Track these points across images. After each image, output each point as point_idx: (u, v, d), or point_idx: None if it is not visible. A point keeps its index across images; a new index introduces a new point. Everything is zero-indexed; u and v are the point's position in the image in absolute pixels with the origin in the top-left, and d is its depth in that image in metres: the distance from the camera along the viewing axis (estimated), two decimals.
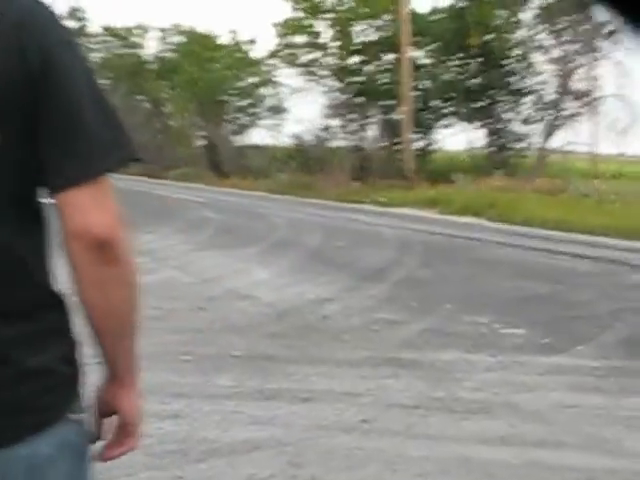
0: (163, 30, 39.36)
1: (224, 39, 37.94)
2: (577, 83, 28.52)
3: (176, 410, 4.79)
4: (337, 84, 31.40)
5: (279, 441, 4.36)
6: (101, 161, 1.26)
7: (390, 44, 29.44)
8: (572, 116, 28.42)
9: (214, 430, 4.50)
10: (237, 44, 36.99)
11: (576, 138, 28.01)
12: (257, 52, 39.25)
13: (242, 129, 36.76)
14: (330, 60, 31.52)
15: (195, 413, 4.76)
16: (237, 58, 36.35)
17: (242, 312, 7.71)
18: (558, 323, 7.53)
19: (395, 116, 29.85)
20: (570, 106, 28.58)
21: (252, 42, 36.76)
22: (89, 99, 1.27)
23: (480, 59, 29.04)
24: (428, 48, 30.33)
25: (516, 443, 4.45)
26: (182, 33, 38.93)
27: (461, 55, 29.42)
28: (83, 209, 1.24)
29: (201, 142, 37.03)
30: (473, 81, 29.53)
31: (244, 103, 36.47)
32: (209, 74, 35.42)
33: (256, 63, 35.72)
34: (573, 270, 10.68)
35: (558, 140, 28.58)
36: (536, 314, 7.89)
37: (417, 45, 29.35)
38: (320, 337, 6.83)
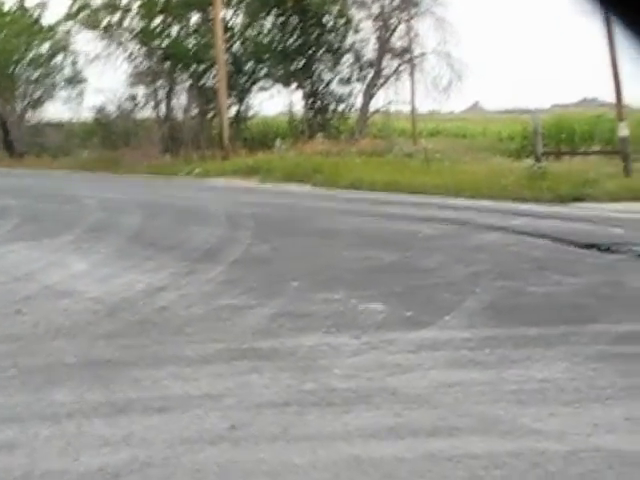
0: None
1: (9, 4, 35.58)
2: (397, 40, 29.02)
3: (9, 438, 4.22)
4: (141, 49, 30.29)
5: (141, 463, 3.91)
6: None
7: (197, 2, 28.69)
8: (392, 74, 28.91)
9: (59, 459, 3.98)
10: (24, 9, 34.81)
11: (397, 97, 28.56)
12: (50, 17, 36.77)
13: (37, 104, 34.81)
14: (132, 22, 30.31)
15: (33, 440, 4.21)
16: (26, 24, 34.23)
17: (66, 311, 7.07)
18: (416, 293, 7.44)
19: (206, 81, 29.24)
20: (390, 64, 29.06)
21: (42, 6, 34.72)
22: None
23: (297, 17, 28.88)
24: (240, 6, 29.80)
25: (406, 434, 4.23)
26: None
27: (277, 13, 29.15)
28: None
29: None
30: (289, 41, 29.34)
31: (37, 74, 34.49)
32: None
33: (49, 29, 33.79)
34: (417, 234, 10.71)
35: (379, 100, 29.05)
36: (391, 285, 7.77)
37: (228, 3, 28.77)
38: (161, 332, 6.36)
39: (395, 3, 29.86)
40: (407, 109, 29.41)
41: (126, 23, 30.24)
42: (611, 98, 18.46)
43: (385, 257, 9.14)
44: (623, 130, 16.41)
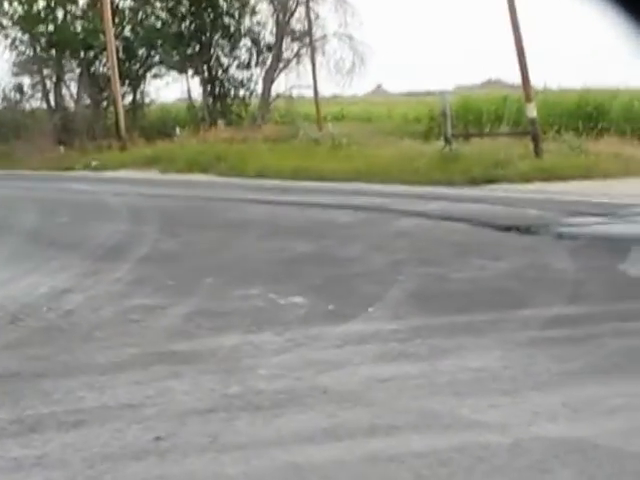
0: None
1: None
2: (296, 23, 28.90)
3: None
4: (24, 35, 29.32)
5: None
6: None
7: None
8: (293, 58, 28.79)
9: None
10: None
11: (299, 81, 28.45)
12: None
13: None
14: (13, 6, 29.22)
15: None
16: None
17: None
18: (337, 284, 7.37)
19: (98, 69, 28.60)
20: (290, 47, 28.93)
21: None
22: None
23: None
24: None
25: (344, 435, 4.13)
26: None
27: None
28: None
29: None
30: (183, 25, 28.90)
31: None
32: None
33: None
34: (333, 222, 10.66)
35: (281, 84, 28.90)
36: (310, 277, 7.68)
37: None
38: (69, 339, 6.11)
39: None
40: (310, 93, 29.33)
41: (5, 7, 29.16)
42: (515, 79, 18.80)
43: (301, 247, 9.05)
44: (532, 111, 16.68)
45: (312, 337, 5.81)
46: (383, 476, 3.70)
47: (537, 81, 21.03)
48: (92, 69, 29.26)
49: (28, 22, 28.80)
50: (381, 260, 8.19)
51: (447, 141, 17.34)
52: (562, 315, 6.06)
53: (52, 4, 29.07)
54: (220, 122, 26.06)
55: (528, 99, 16.83)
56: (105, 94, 28.30)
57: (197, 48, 29.21)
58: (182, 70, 29.76)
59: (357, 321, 6.15)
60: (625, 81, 21.63)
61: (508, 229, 9.51)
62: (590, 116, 21.56)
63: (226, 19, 29.50)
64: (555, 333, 5.66)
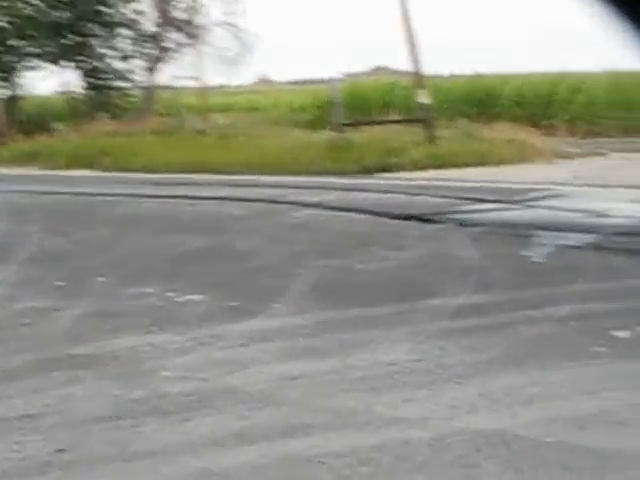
0: None
1: None
2: (179, 11, 28.50)
3: None
4: None
5: None
6: None
7: None
8: (176, 48, 28.38)
9: None
10: None
11: (182, 71, 28.04)
12: None
13: None
14: None
15: None
16: None
17: None
18: (237, 280, 7.24)
19: None
20: (173, 37, 28.51)
21: None
22: None
23: None
24: None
25: (258, 438, 4.02)
26: None
27: None
28: None
29: None
30: (58, 14, 28.11)
31: None
32: None
33: None
34: (227, 215, 10.51)
35: (164, 75, 28.44)
36: (208, 273, 7.53)
37: None
38: None
39: None
40: (194, 84, 28.99)
41: None
42: (404, 65, 18.96)
43: (196, 243, 8.87)
44: (424, 98, 16.82)
45: (215, 336, 5.68)
46: (302, 478, 3.61)
47: (427, 68, 21.23)
48: None
49: None
50: (280, 253, 8.09)
51: (338, 130, 17.33)
52: (471, 304, 6.08)
53: None
54: (103, 115, 25.46)
55: (420, 85, 16.96)
56: None
57: (74, 39, 28.47)
58: (59, 61, 28.99)
59: (261, 317, 6.04)
60: (516, 67, 22.14)
61: (408, 218, 9.54)
62: (481, 102, 21.92)
63: (105, 8, 28.84)
64: (465, 323, 5.67)
